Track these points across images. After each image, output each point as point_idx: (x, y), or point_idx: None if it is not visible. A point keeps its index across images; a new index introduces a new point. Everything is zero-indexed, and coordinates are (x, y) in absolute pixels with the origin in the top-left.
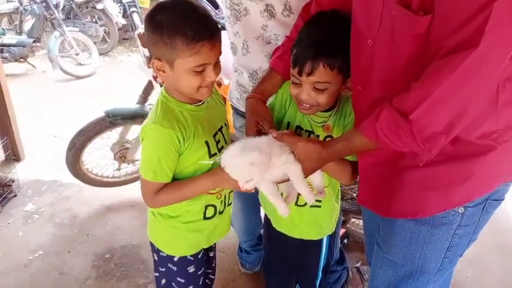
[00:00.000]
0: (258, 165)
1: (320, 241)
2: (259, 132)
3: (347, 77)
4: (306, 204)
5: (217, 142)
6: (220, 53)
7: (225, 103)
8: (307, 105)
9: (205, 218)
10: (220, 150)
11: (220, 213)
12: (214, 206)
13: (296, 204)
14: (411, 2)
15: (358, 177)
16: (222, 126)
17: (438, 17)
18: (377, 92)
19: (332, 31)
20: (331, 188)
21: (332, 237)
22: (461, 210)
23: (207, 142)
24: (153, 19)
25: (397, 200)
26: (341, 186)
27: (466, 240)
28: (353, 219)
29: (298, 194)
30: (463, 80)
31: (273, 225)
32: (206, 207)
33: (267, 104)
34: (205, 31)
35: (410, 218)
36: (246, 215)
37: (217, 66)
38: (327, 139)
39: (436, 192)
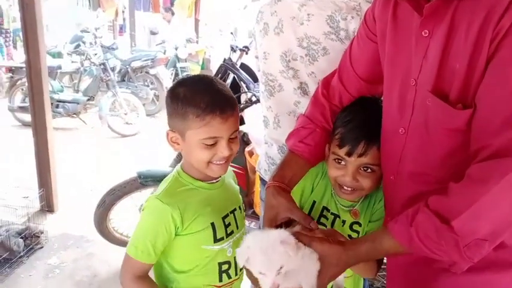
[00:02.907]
0: (290, 244)
1: None
2: (278, 228)
3: None
4: None
5: (227, 226)
6: (236, 129)
7: (254, 173)
8: (350, 189)
9: None
10: (229, 235)
11: None
12: None
13: None
14: (449, 94)
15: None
16: (235, 209)
17: (481, 113)
18: (410, 184)
19: (378, 116)
20: (354, 280)
21: None
22: None
23: (212, 224)
24: (173, 91)
25: None
26: None
27: None
28: None
29: None
30: (511, 187)
31: None
32: None
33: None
34: (217, 104)
35: None
36: None
37: (233, 142)
38: (354, 225)
39: None
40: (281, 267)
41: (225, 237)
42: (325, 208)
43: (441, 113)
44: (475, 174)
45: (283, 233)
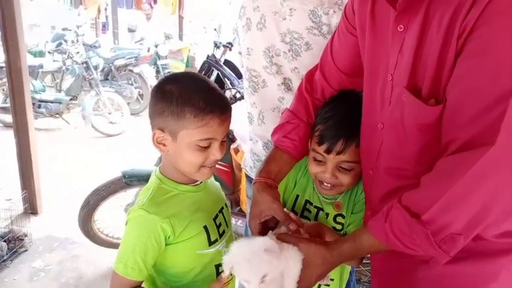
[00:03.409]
0: (274, 252)
1: None
2: (263, 225)
3: None
4: None
5: (218, 226)
6: (228, 132)
7: (240, 170)
8: (329, 185)
9: None
10: (221, 235)
11: None
12: None
13: None
14: (421, 89)
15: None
16: (222, 207)
17: (450, 106)
18: (388, 179)
19: (358, 111)
20: (338, 281)
21: None
22: None
23: (205, 227)
24: (162, 88)
25: None
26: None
27: None
28: None
29: None
30: (479, 179)
31: None
32: None
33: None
34: (217, 105)
35: None
36: None
37: (222, 145)
38: (338, 218)
39: None
40: (265, 276)
41: (218, 239)
42: (308, 201)
43: (414, 109)
44: (443, 168)
45: (267, 241)
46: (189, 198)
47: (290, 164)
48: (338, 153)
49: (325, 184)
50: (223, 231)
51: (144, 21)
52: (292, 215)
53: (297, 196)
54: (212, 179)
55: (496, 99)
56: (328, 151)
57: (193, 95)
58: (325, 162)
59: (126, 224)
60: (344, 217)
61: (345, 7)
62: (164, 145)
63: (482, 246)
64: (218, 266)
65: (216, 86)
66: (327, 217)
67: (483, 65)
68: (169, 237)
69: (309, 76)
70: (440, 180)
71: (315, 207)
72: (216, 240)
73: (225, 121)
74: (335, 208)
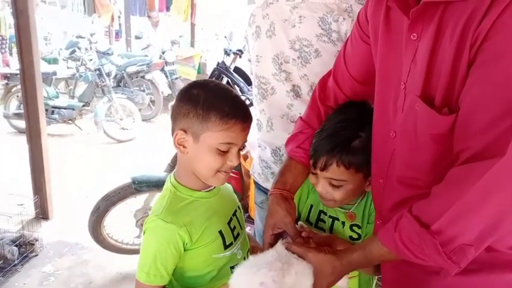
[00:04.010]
0: (268, 285)
1: None
2: (277, 236)
3: (369, 175)
4: None
5: (233, 229)
6: (246, 141)
7: (249, 177)
8: (325, 198)
9: None
10: (236, 238)
11: None
12: None
13: None
14: (434, 98)
15: None
16: (236, 210)
17: (462, 115)
18: (399, 188)
19: (357, 124)
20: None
21: None
22: None
23: (221, 232)
24: (189, 91)
25: None
26: None
27: None
28: None
29: None
30: (490, 190)
31: None
32: None
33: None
34: (240, 111)
35: None
36: None
37: (239, 154)
38: (354, 227)
39: None
40: None
41: (233, 242)
42: (322, 212)
43: (427, 118)
44: (453, 178)
45: (266, 277)
46: (204, 204)
47: (305, 175)
48: (322, 169)
49: (322, 196)
50: (238, 234)
51: (150, 28)
52: (304, 226)
53: (311, 206)
54: (226, 184)
55: (508, 109)
56: (314, 166)
57: (219, 100)
58: (317, 175)
59: (144, 233)
60: (359, 227)
61: (359, 14)
62: (184, 147)
63: (495, 258)
64: (233, 268)
65: (238, 95)
66: (343, 226)
67: (495, 74)
68: (186, 244)
69: (323, 83)
70: (450, 190)
71: (330, 217)
72: (231, 244)
73: (247, 128)
74: (348, 218)
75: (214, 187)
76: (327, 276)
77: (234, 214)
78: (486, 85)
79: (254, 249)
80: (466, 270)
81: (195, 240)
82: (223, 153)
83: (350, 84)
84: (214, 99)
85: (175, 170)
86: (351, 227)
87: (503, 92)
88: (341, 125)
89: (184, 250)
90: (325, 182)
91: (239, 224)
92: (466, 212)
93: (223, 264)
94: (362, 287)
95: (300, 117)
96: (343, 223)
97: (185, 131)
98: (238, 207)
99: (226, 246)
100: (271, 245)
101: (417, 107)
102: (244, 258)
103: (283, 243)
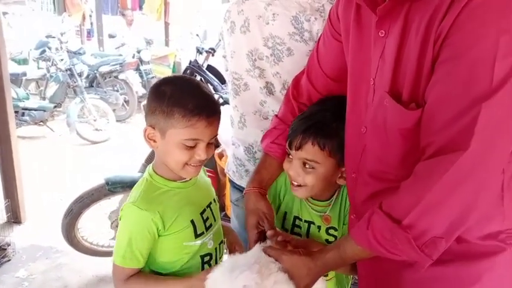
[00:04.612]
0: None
1: None
2: (261, 233)
3: (342, 165)
4: None
5: (205, 220)
6: (216, 134)
7: (225, 176)
8: (296, 184)
9: None
10: (208, 228)
11: None
12: None
13: None
14: (402, 94)
15: None
16: (210, 203)
17: (427, 111)
18: (371, 182)
19: (335, 114)
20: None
21: None
22: None
23: (192, 221)
24: (157, 89)
25: None
26: None
27: None
28: None
29: None
30: (456, 183)
31: None
32: None
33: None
34: (205, 107)
35: None
36: None
37: (210, 147)
38: (330, 230)
39: None
40: None
41: (205, 232)
42: (297, 217)
43: (396, 113)
44: (420, 172)
45: (248, 279)
46: (178, 194)
47: (280, 170)
48: (297, 148)
49: (293, 183)
50: (210, 225)
51: (125, 26)
52: (280, 232)
53: (285, 213)
54: (203, 174)
55: (469, 104)
56: (290, 146)
57: (185, 96)
58: (292, 159)
59: (120, 219)
60: (336, 230)
61: (330, 13)
62: (154, 141)
63: (466, 249)
64: (203, 257)
65: (208, 91)
66: (319, 230)
67: (456, 70)
68: (159, 230)
69: (296, 81)
70: (418, 184)
71: (305, 221)
72: (202, 233)
73: (212, 124)
74: (324, 221)
75: (190, 179)
76: (303, 278)
77: (209, 206)
78: (448, 81)
79: (232, 245)
80: (438, 262)
81: (168, 227)
82: (191, 147)
83: (324, 82)
84: (179, 96)
85: (153, 160)
86: (327, 230)
87: (464, 88)
88: (319, 110)
89: (158, 236)
90: (298, 164)
91: (213, 215)
92: (434, 205)
93: (193, 252)
94: (339, 286)
95: (276, 115)
96: (319, 227)
97: (153, 127)
98: (214, 200)
99: (197, 235)
100: (256, 242)
101: (386, 102)
102: (216, 249)
103: (261, 246)
